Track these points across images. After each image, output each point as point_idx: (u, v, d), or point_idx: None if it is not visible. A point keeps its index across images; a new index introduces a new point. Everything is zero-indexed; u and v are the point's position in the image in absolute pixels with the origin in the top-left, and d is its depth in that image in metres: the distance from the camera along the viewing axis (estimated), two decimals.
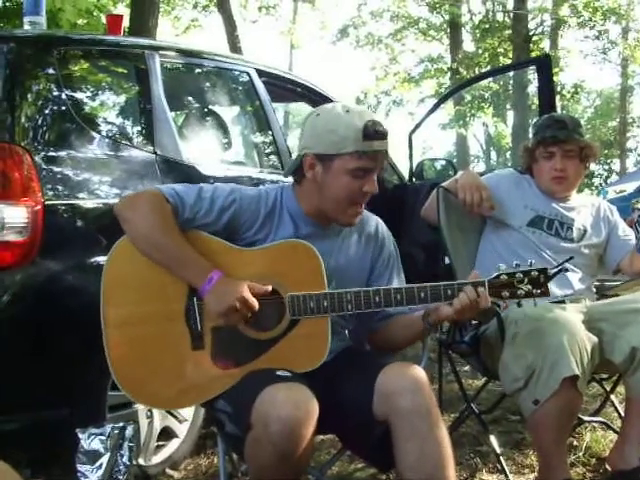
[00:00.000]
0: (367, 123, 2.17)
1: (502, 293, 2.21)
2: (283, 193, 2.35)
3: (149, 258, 2.17)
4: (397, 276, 2.46)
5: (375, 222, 2.49)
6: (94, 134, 2.98)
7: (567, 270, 2.33)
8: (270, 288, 2.16)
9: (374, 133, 2.17)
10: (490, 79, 19.25)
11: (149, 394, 2.22)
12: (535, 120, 3.49)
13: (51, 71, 2.90)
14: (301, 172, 2.29)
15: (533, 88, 17.60)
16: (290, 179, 2.38)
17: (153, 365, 2.17)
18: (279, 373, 2.06)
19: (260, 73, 4.04)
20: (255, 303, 2.11)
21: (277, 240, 2.26)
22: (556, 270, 2.26)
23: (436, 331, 2.37)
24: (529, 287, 2.21)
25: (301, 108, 5.68)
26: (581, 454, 3.16)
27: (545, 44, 22.02)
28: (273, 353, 2.17)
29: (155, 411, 2.99)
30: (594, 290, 3.13)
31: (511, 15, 20.87)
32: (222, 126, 3.98)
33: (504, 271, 2.22)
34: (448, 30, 24.29)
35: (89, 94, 3.23)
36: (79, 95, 3.11)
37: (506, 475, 2.83)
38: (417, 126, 5.74)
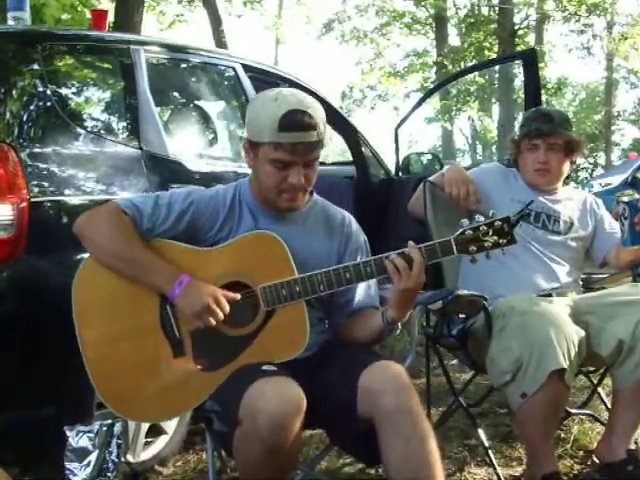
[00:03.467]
0: (285, 113, 2.10)
1: (470, 248, 2.19)
2: (241, 188, 2.34)
3: (115, 271, 2.16)
4: None
5: (342, 216, 2.44)
6: (79, 130, 2.97)
7: (529, 214, 2.32)
8: (239, 296, 2.15)
9: (290, 124, 2.10)
10: (476, 73, 19.33)
11: (139, 410, 2.21)
12: (521, 114, 3.49)
13: (36, 67, 2.89)
14: None
15: (519, 82, 17.65)
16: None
17: (138, 380, 2.16)
18: (264, 367, 2.05)
19: (246, 68, 4.02)
20: (226, 305, 2.11)
21: (239, 235, 2.25)
22: (518, 216, 2.24)
23: (392, 330, 2.33)
24: (495, 238, 2.19)
25: None
26: (569, 446, 3.17)
27: (530, 38, 22.07)
28: (255, 347, 2.17)
29: None
30: (581, 283, 3.14)
31: (496, 9, 20.92)
32: (208, 121, 3.97)
33: (468, 226, 2.20)
34: (433, 24, 24.30)
35: (74, 90, 3.22)
36: (64, 91, 3.10)
37: (494, 468, 2.83)
38: (403, 120, 5.75)
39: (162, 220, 2.21)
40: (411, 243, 2.17)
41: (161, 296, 2.16)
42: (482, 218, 2.21)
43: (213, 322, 2.11)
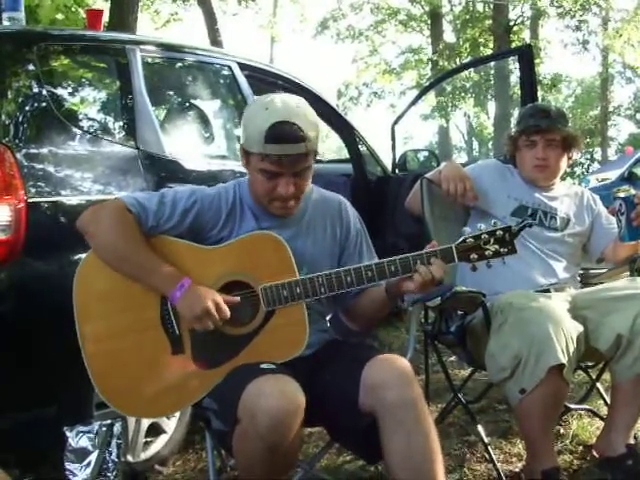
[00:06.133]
0: (271, 125, 2.09)
1: (470, 256, 2.21)
2: (240, 188, 2.35)
3: (117, 270, 2.17)
4: (367, 252, 2.45)
5: (338, 202, 2.47)
6: (76, 130, 2.97)
7: (531, 226, 2.35)
8: (238, 299, 2.15)
9: (277, 137, 2.09)
10: (471, 70, 19.35)
11: (136, 406, 2.22)
12: (517, 110, 3.50)
13: (31, 67, 2.88)
14: None
15: (514, 78, 17.67)
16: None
17: (136, 376, 2.17)
18: (263, 366, 2.05)
19: (242, 66, 4.02)
20: (227, 310, 2.11)
21: (241, 235, 2.25)
22: (520, 226, 2.27)
23: (399, 302, 2.37)
24: (496, 247, 2.22)
25: None
26: (568, 442, 3.17)
27: (525, 34, 22.08)
28: (253, 347, 2.17)
29: None
30: (578, 279, 3.14)
31: (491, 5, 20.94)
32: (204, 120, 3.96)
33: (469, 234, 2.22)
34: (429, 21, 24.32)
35: (70, 90, 3.21)
36: (60, 91, 3.09)
37: (494, 464, 2.83)
38: (399, 117, 5.76)
39: (166, 218, 2.21)
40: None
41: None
42: (484, 226, 2.23)
43: (211, 326, 2.11)
